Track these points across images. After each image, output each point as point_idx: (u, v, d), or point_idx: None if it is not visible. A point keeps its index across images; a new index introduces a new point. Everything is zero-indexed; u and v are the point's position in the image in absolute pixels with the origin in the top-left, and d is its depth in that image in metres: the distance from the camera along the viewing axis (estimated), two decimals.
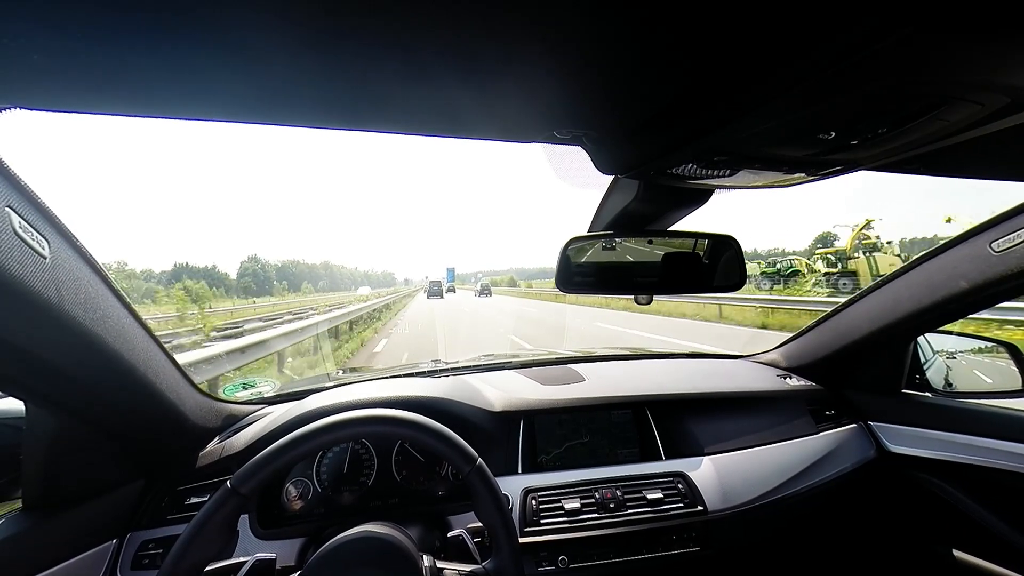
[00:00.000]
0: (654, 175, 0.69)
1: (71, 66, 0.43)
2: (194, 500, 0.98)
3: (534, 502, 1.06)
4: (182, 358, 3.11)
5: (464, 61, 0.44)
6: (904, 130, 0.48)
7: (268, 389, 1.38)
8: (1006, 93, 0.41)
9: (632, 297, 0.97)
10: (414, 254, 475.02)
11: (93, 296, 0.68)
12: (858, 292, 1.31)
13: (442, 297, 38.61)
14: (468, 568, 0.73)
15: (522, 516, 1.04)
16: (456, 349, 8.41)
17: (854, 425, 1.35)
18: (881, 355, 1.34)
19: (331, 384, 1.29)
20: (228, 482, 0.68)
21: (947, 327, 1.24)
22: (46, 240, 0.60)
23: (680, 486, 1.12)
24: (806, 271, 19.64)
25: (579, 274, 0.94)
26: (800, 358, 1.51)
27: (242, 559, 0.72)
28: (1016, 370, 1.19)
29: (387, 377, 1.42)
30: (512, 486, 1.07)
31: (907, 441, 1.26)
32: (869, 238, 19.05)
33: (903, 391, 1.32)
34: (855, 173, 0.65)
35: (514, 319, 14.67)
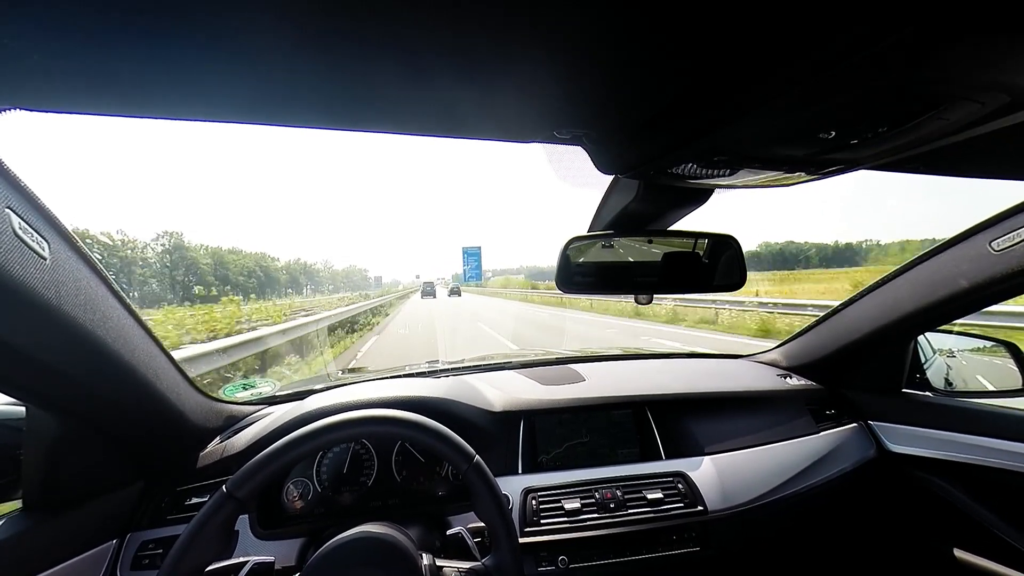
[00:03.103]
0: (654, 175, 0.69)
1: (71, 66, 0.43)
2: (194, 500, 0.98)
3: (534, 502, 1.06)
4: None
5: (464, 61, 0.44)
6: (904, 129, 0.48)
7: (268, 389, 1.38)
8: (1006, 92, 0.41)
9: (632, 297, 0.97)
10: (407, 251, 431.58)
11: (93, 297, 0.68)
12: (857, 292, 1.31)
13: (435, 296, 39.30)
14: (467, 565, 0.73)
15: (522, 516, 1.04)
16: None
17: (854, 425, 1.35)
18: (881, 354, 1.34)
19: (331, 384, 1.29)
20: (224, 487, 0.68)
21: (947, 326, 1.25)
22: (46, 241, 0.60)
23: (680, 486, 1.12)
24: None
25: (579, 274, 0.94)
26: (800, 358, 1.51)
27: (241, 559, 0.72)
28: (1016, 369, 1.19)
29: (387, 377, 1.42)
30: (512, 486, 1.07)
31: (907, 441, 1.26)
32: None
33: (903, 390, 1.33)
34: (854, 172, 0.66)
35: None
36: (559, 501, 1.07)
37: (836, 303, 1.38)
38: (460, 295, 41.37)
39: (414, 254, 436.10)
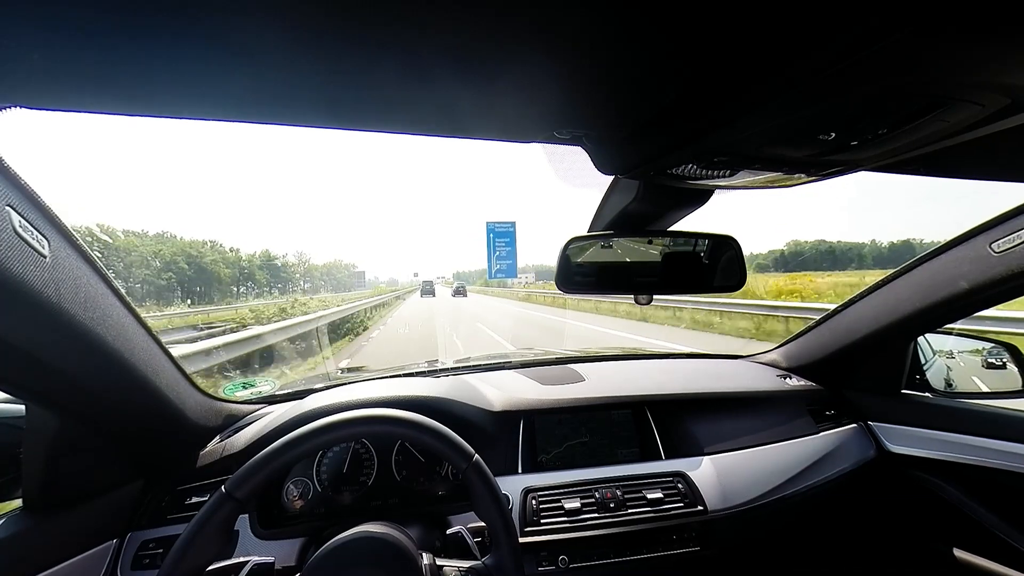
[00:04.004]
0: (654, 175, 0.69)
1: (71, 66, 0.43)
2: (194, 500, 0.98)
3: (534, 502, 1.06)
4: None
5: (464, 61, 0.44)
6: (904, 131, 0.48)
7: (268, 388, 1.38)
8: (1006, 93, 0.41)
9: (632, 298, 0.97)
10: (405, 249, 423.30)
11: (93, 295, 0.68)
12: (858, 292, 1.31)
13: (434, 295, 39.21)
14: (467, 564, 0.73)
15: (522, 516, 1.04)
16: None
17: (854, 425, 1.35)
18: (881, 355, 1.34)
19: (331, 384, 1.29)
20: (223, 487, 0.67)
21: (947, 327, 1.25)
22: (46, 239, 0.60)
23: (680, 486, 1.12)
24: None
25: (579, 274, 0.94)
26: (800, 358, 1.51)
27: (241, 559, 0.72)
28: (1016, 371, 1.19)
29: (387, 377, 1.42)
30: (512, 486, 1.07)
31: (907, 441, 1.26)
32: None
33: (903, 391, 1.33)
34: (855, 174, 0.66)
35: None
36: (559, 501, 1.07)
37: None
38: (466, 295, 36.65)
39: (413, 252, 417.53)
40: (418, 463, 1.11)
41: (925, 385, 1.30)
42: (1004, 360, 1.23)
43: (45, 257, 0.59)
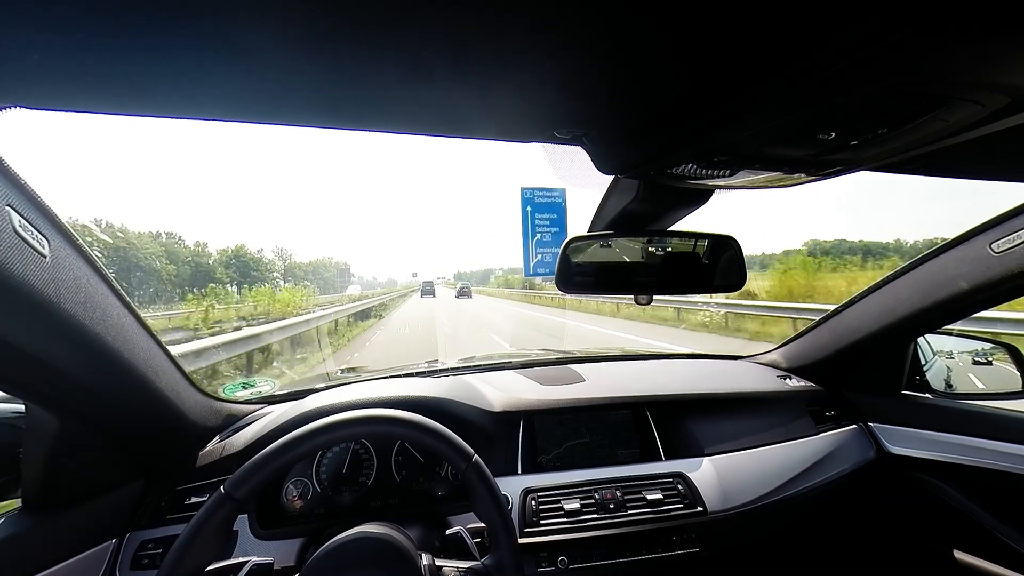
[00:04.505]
0: (654, 175, 0.69)
1: (71, 66, 0.43)
2: (194, 500, 0.98)
3: (534, 503, 1.06)
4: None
5: (464, 61, 0.44)
6: (904, 130, 0.48)
7: (268, 388, 1.38)
8: (1006, 93, 0.41)
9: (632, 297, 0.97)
10: (404, 249, 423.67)
11: (92, 295, 0.68)
12: (857, 293, 1.31)
13: (434, 296, 39.81)
14: (467, 565, 0.73)
15: (522, 517, 1.04)
16: None
17: (854, 426, 1.35)
18: (881, 356, 1.34)
19: (331, 384, 1.29)
20: (222, 487, 0.68)
21: (947, 328, 1.25)
22: (46, 239, 0.60)
23: (680, 487, 1.12)
24: None
25: (579, 274, 0.94)
26: (800, 359, 1.51)
27: (241, 559, 0.72)
28: (1016, 372, 1.19)
29: (387, 377, 1.42)
30: (512, 486, 1.07)
31: (907, 442, 1.26)
32: None
33: (903, 392, 1.32)
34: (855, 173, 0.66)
35: None
36: (559, 501, 1.07)
37: None
38: (470, 296, 35.09)
39: (412, 252, 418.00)
40: (418, 463, 1.11)
41: (925, 386, 1.30)
42: (1004, 361, 1.23)
43: (45, 257, 0.59)
